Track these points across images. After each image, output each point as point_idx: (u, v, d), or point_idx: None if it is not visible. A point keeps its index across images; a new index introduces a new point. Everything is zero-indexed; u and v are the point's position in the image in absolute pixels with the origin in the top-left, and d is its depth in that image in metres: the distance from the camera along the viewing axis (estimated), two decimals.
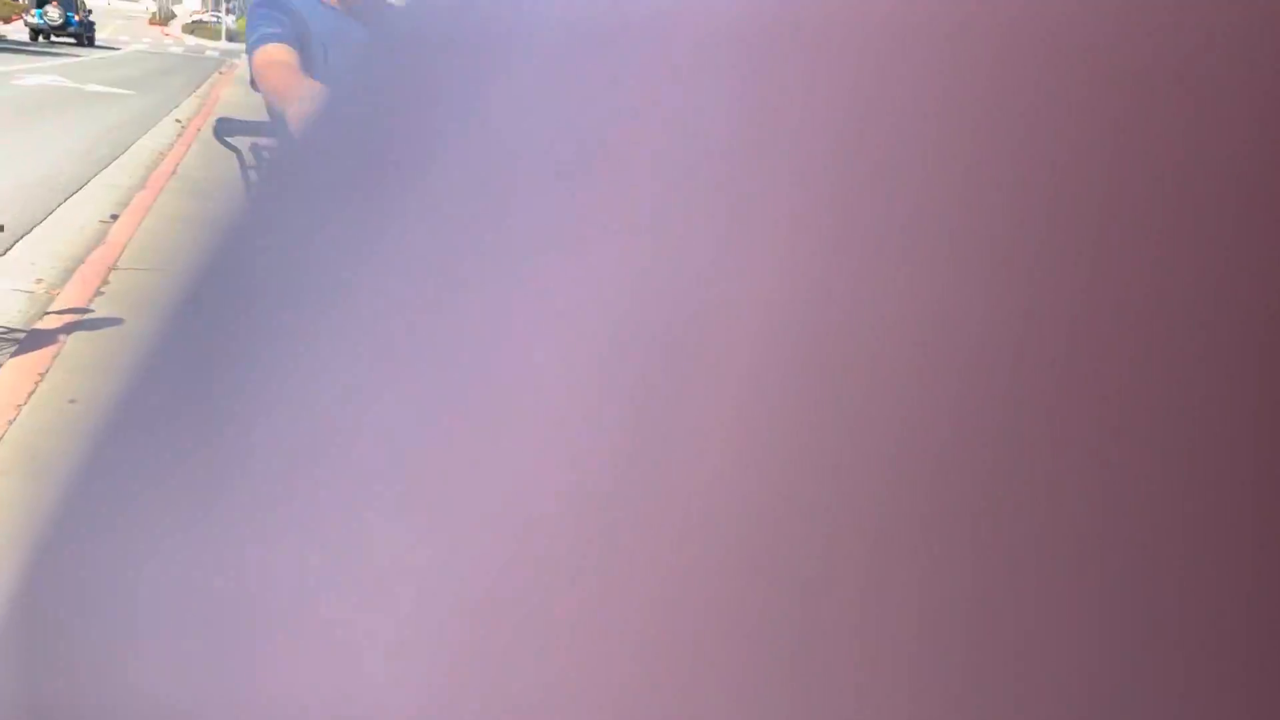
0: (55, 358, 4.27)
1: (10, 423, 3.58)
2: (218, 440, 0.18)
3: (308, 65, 2.05)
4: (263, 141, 1.88)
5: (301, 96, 1.86)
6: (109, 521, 0.19)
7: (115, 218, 7.30)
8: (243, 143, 1.83)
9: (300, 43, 2.08)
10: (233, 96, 19.32)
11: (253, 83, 2.09)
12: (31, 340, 4.50)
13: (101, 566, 0.19)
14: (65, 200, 8.01)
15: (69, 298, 5.20)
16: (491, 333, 0.17)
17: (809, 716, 0.15)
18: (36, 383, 3.97)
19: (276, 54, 2.02)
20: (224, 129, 1.79)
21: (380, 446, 0.17)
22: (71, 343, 4.48)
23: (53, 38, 39.05)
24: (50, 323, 4.75)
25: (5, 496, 3.06)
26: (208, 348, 0.21)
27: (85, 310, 4.97)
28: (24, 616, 0.19)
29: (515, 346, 0.17)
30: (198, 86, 22.92)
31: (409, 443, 0.17)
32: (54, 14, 39.56)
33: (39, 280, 5.71)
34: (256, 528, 0.17)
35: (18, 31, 41.12)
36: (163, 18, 76.85)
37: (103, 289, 5.37)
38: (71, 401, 3.83)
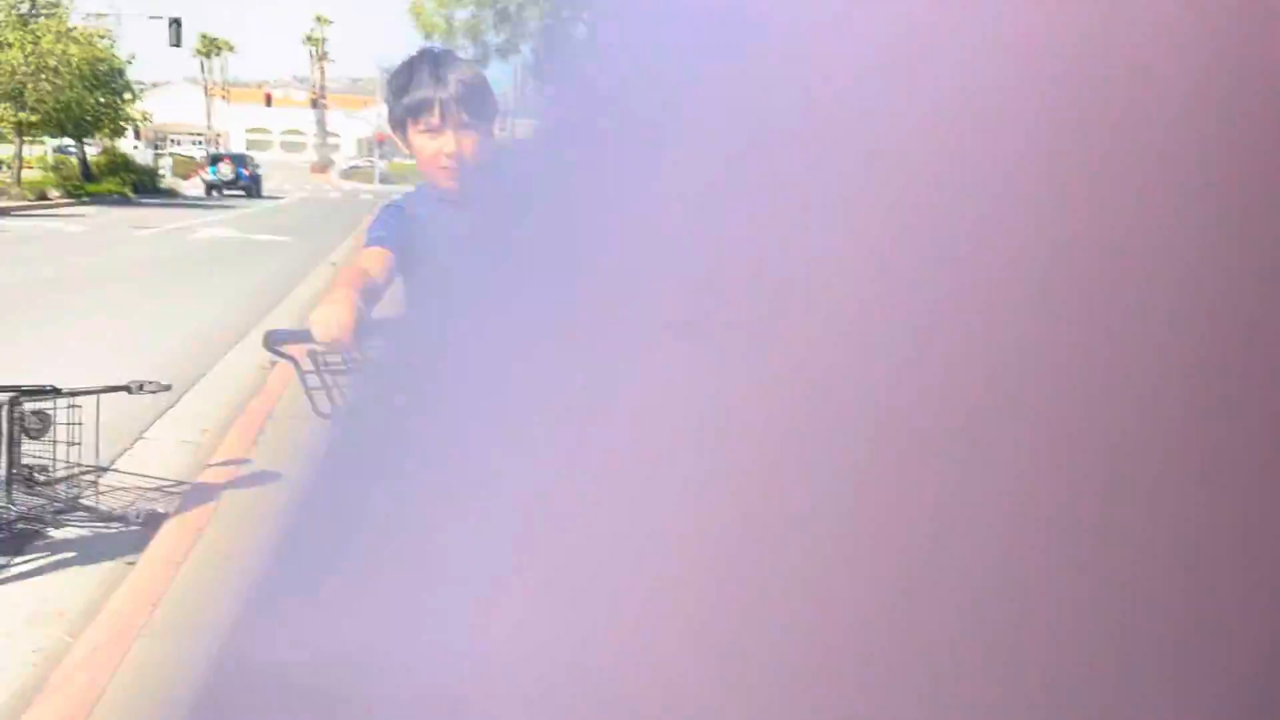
0: (214, 514, 4.41)
1: (170, 582, 3.68)
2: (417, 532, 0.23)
3: (411, 271, 2.15)
4: (319, 347, 1.81)
5: (331, 300, 1.89)
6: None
7: (274, 364, 7.65)
8: (300, 350, 1.80)
9: (406, 250, 2.13)
10: None
11: None
12: (193, 495, 4.67)
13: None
14: (229, 350, 8.48)
15: (228, 449, 5.41)
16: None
17: None
18: (195, 540, 4.09)
19: (365, 259, 2.11)
20: (273, 339, 1.77)
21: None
22: (229, 497, 4.63)
23: (224, 191, 42.50)
24: (210, 476, 4.94)
25: (162, 658, 3.12)
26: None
27: (244, 461, 5.16)
28: None
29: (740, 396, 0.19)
30: (353, 229, 24.36)
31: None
32: (226, 170, 43.14)
33: (205, 430, 5.99)
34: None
35: (194, 187, 44.88)
36: (322, 165, 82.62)
37: (259, 438, 5.57)
38: (228, 559, 3.92)
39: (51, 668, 3.18)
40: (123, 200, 32.98)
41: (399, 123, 2.19)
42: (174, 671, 3.05)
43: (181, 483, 4.98)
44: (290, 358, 1.77)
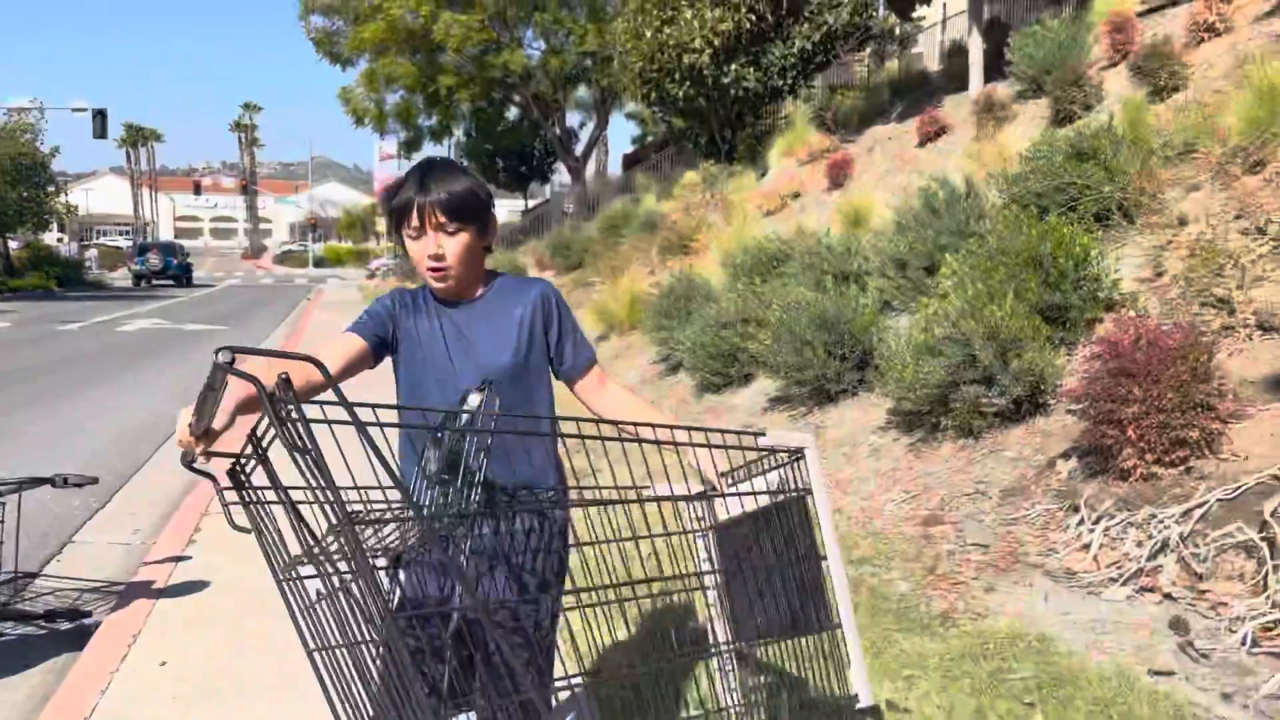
0: (148, 616, 4.29)
1: (102, 692, 3.56)
2: None
3: (393, 354, 2.34)
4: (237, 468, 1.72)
5: (323, 356, 1.97)
6: None
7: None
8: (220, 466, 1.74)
9: (379, 335, 2.29)
10: (322, 319, 20.23)
11: None
12: (127, 595, 4.54)
13: None
14: (161, 445, 8.30)
15: (163, 548, 5.28)
16: None
17: None
18: (129, 646, 3.96)
19: (337, 341, 2.22)
20: (186, 458, 1.68)
21: None
22: (162, 600, 4.51)
23: (154, 281, 41.87)
24: (145, 574, 4.81)
25: None
26: None
27: (179, 559, 5.03)
28: None
29: None
30: (288, 313, 24.10)
31: None
32: (154, 260, 42.53)
33: (136, 530, 5.83)
34: None
35: (123, 278, 44.13)
36: (254, 251, 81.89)
37: (195, 537, 5.44)
38: (162, 664, 3.81)
39: None
40: (47, 295, 32.34)
41: (394, 226, 2.29)
42: None
43: (115, 584, 4.84)
44: (209, 475, 1.73)
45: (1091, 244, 6.02)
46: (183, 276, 43.06)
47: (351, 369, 2.24)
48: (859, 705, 1.98)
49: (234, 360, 1.54)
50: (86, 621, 4.36)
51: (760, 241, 10.69)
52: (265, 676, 3.70)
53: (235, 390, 1.71)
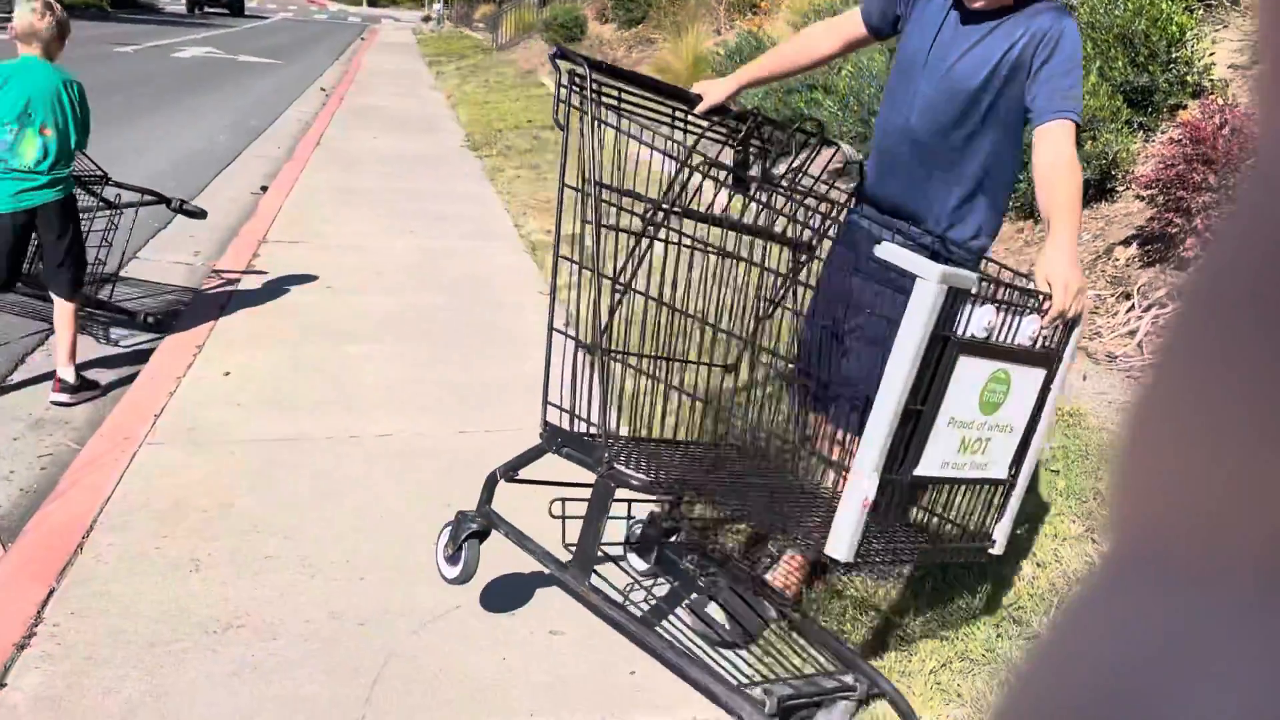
0: (211, 330, 4.47)
1: (170, 394, 3.77)
2: None
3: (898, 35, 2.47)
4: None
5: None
6: None
7: (265, 189, 7.58)
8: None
9: (884, 12, 2.45)
10: (374, 63, 19.81)
11: None
12: (189, 315, 4.71)
13: None
14: (219, 172, 8.37)
15: (224, 269, 5.43)
16: None
17: None
18: (195, 356, 4.15)
19: (840, 19, 2.58)
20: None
21: None
22: (226, 316, 4.68)
23: (206, 9, 40.92)
24: (207, 292, 4.98)
25: (166, 465, 3.23)
26: None
27: (237, 281, 5.19)
28: None
29: None
30: (340, 53, 23.60)
31: None
32: None
33: (196, 252, 5.99)
34: None
35: (175, 3, 43.14)
36: None
37: (253, 263, 5.58)
38: (226, 374, 4.00)
39: (60, 471, 3.29)
40: (100, 14, 31.76)
41: None
42: (176, 478, 3.17)
43: (188, 289, 5.04)
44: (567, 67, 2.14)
45: (1189, 23, 5.65)
46: (236, 5, 42.01)
47: (850, 46, 2.55)
48: (991, 550, 2.13)
49: None
50: (163, 317, 4.57)
51: (834, 3, 10.14)
52: (320, 393, 3.89)
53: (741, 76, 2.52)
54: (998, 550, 2.12)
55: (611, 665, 2.42)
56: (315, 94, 14.23)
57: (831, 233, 2.44)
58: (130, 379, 4.01)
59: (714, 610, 2.55)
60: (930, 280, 1.82)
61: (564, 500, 2.37)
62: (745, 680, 2.10)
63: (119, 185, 4.50)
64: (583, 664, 2.44)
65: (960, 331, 1.86)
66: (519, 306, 5.10)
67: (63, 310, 3.84)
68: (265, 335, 4.47)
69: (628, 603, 2.24)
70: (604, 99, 2.23)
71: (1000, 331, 1.92)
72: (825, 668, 2.28)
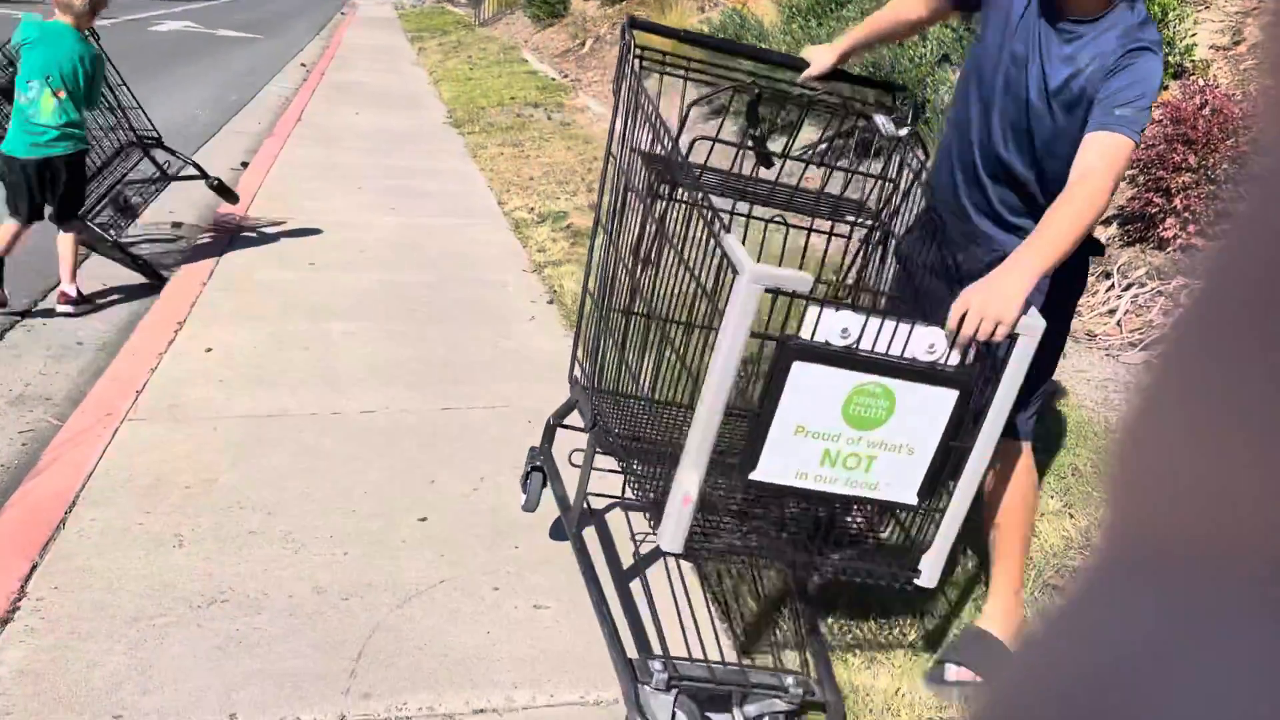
0: (192, 306, 4.45)
1: (152, 370, 3.75)
2: None
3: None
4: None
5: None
6: None
7: (245, 165, 7.52)
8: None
9: None
10: (355, 39, 19.63)
11: None
12: (172, 289, 4.69)
13: None
14: (199, 148, 8.30)
15: (204, 247, 5.39)
16: None
17: None
18: (175, 332, 4.14)
19: None
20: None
21: None
22: (207, 292, 4.65)
23: None
24: (187, 268, 4.95)
25: (147, 441, 3.22)
26: None
27: (218, 257, 5.15)
28: None
29: None
30: (321, 28, 23.35)
31: None
32: None
33: (176, 225, 5.94)
34: None
35: None
36: None
37: (234, 239, 5.54)
38: (208, 350, 3.99)
39: (40, 447, 3.28)
40: None
41: None
42: (158, 454, 3.16)
43: (180, 239, 5.01)
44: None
45: (1171, 3, 5.68)
46: None
47: (937, 15, 2.51)
48: (916, 580, 2.00)
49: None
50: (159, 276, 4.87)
51: None
52: (303, 369, 3.88)
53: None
54: (924, 583, 2.00)
55: (595, 639, 2.45)
56: (296, 69, 14.09)
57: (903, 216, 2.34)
58: (113, 349, 3.99)
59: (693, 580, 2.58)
60: (744, 277, 1.71)
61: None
62: (663, 653, 2.15)
63: (169, 151, 5.21)
64: (566, 638, 2.46)
65: (809, 336, 1.73)
66: (502, 285, 5.09)
67: (64, 238, 4.49)
68: (247, 312, 4.45)
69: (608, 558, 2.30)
70: (668, 69, 2.43)
71: (872, 341, 1.75)
72: (773, 664, 2.31)
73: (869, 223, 2.43)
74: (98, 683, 2.19)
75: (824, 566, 2.11)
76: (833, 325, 1.74)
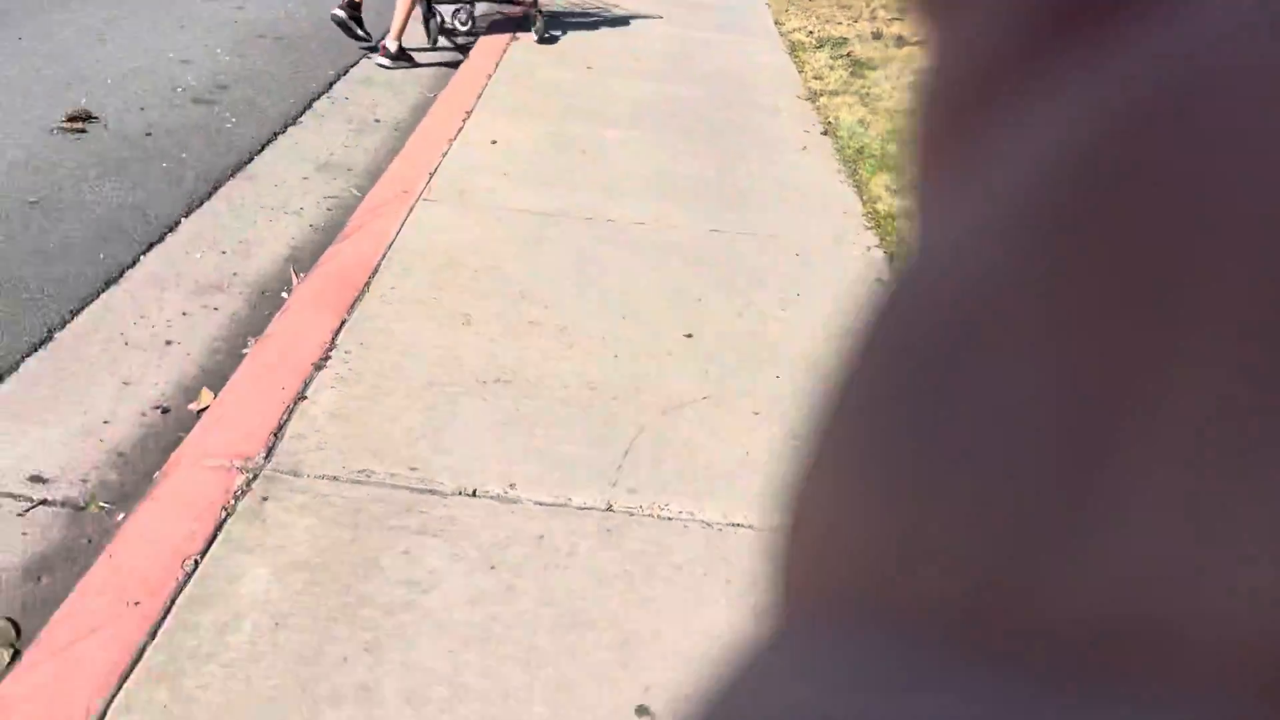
0: (479, 97, 4.60)
1: (443, 154, 3.95)
2: None
3: None
4: None
5: None
6: None
7: None
8: None
9: None
10: None
11: None
12: (460, 78, 4.86)
13: None
14: None
15: (487, 46, 5.52)
16: None
17: None
18: (464, 121, 4.31)
19: None
20: None
21: None
22: (491, 85, 4.80)
23: None
24: (471, 62, 5.10)
25: (442, 222, 3.42)
26: None
27: (503, 51, 5.28)
28: None
29: None
30: None
31: None
32: None
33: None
34: None
35: None
36: None
37: (516, 36, 5.64)
38: (493, 143, 4.14)
39: (344, 215, 3.54)
40: None
41: None
42: (450, 236, 3.36)
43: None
44: None
45: None
46: None
47: None
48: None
49: None
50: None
51: None
52: (580, 173, 3.98)
53: None
54: None
55: None
56: None
57: None
58: (406, 130, 4.21)
59: None
60: None
61: None
62: None
63: None
64: None
65: None
66: (774, 109, 4.99)
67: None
68: (527, 109, 4.57)
69: None
70: None
71: None
72: None
73: None
74: (397, 435, 2.43)
75: None
76: None
